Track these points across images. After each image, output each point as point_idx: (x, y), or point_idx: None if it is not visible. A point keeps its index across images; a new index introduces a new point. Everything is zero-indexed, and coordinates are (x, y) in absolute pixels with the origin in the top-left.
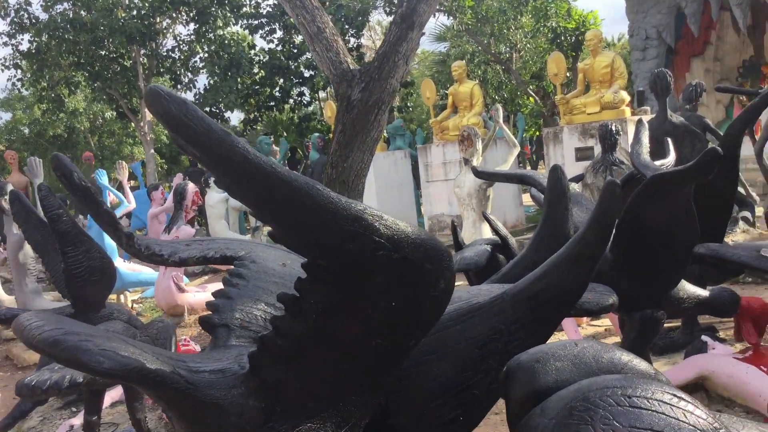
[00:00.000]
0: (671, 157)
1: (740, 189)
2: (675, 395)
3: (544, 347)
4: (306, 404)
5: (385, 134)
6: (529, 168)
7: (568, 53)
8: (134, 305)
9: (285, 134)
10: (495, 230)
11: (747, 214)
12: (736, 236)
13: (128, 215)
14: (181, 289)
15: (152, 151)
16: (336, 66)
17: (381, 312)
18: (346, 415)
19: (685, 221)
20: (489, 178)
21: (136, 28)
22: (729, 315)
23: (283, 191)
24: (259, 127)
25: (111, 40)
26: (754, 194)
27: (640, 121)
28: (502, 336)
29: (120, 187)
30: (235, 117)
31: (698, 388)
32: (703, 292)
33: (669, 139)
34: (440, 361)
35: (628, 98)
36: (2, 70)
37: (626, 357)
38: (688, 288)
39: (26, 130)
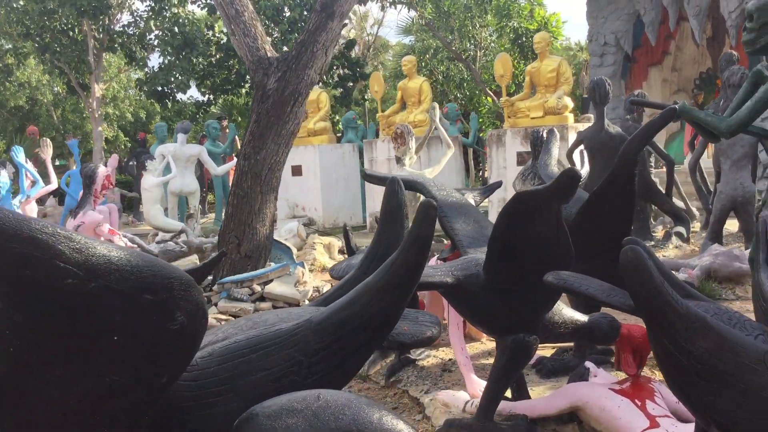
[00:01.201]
0: (583, 171)
1: (679, 202)
2: None
3: (283, 398)
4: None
5: (339, 126)
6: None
7: (529, 55)
8: None
9: (240, 119)
10: (347, 243)
11: (681, 229)
12: (668, 251)
13: (60, 195)
14: None
15: (99, 128)
16: (253, 52)
17: (104, 347)
18: None
19: (555, 242)
20: (378, 182)
21: (87, 1)
22: (608, 343)
23: None
24: (213, 110)
25: (61, 11)
26: (694, 209)
27: (551, 131)
28: (300, 368)
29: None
30: (193, 97)
31: (573, 419)
32: (581, 317)
33: (584, 151)
34: (229, 395)
35: (571, 104)
36: None
37: (376, 415)
38: (564, 313)
39: None
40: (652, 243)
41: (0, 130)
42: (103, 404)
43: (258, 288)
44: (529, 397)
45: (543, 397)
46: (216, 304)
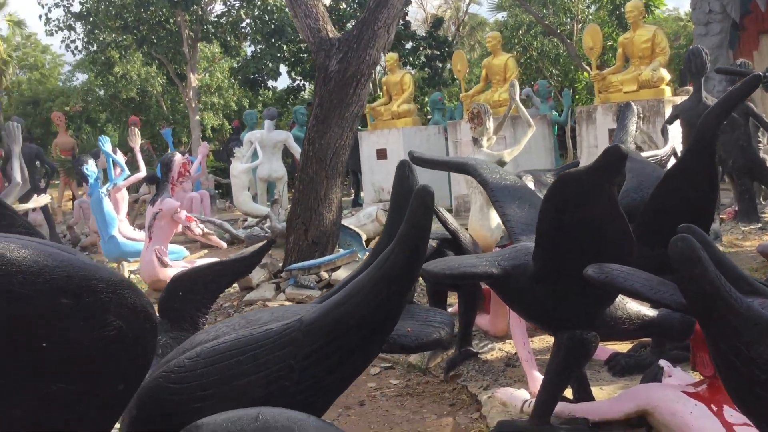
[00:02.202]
0: (666, 148)
1: None
2: None
3: (221, 417)
4: None
5: (427, 109)
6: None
7: (627, 27)
8: (131, 275)
9: None
10: (443, 223)
11: None
12: None
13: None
14: (163, 264)
15: (197, 117)
16: (314, 34)
17: (33, 356)
18: None
19: (610, 228)
20: (426, 165)
21: None
22: (680, 340)
23: None
24: (304, 96)
25: (155, 3)
26: None
27: (627, 105)
28: (291, 372)
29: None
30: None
31: (642, 423)
32: (649, 312)
33: (668, 127)
34: (216, 400)
35: (668, 77)
36: (55, 32)
37: None
38: (629, 307)
39: (101, 92)
40: (759, 225)
41: (115, 120)
42: (57, 413)
43: (325, 275)
44: (592, 399)
45: (608, 398)
46: (284, 291)
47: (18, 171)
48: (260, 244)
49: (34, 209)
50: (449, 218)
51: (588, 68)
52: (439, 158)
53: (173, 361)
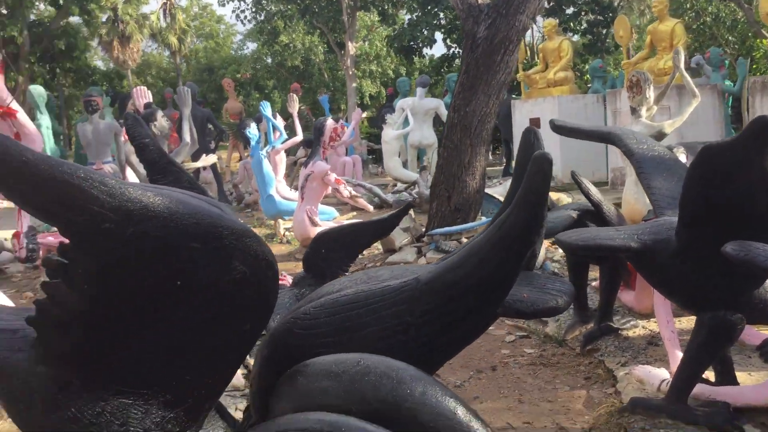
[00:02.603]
0: None
1: None
2: None
3: (327, 359)
4: (112, 378)
5: (587, 77)
6: None
7: None
8: (286, 233)
9: None
10: (586, 195)
11: None
12: None
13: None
14: (314, 223)
15: (354, 85)
16: (463, 0)
17: (169, 292)
18: (177, 394)
19: (759, 203)
20: (568, 133)
21: None
22: None
23: None
24: (459, 64)
25: None
26: None
27: None
28: (407, 329)
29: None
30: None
31: None
32: None
33: None
34: (337, 348)
35: None
36: (227, 2)
37: (419, 389)
38: None
39: (269, 60)
40: None
41: (281, 87)
42: (190, 346)
43: (466, 241)
44: (735, 383)
45: (754, 384)
46: (425, 255)
47: (187, 132)
48: (400, 207)
49: (204, 168)
50: (592, 189)
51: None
52: (583, 127)
53: (301, 309)
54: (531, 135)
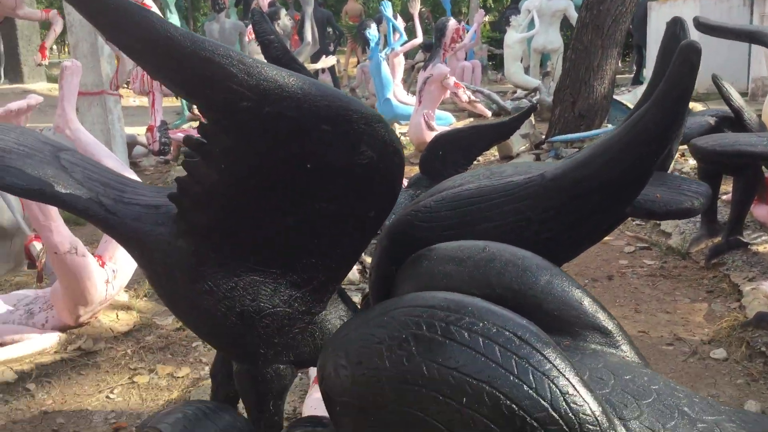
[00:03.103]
0: None
1: None
2: (527, 343)
3: (452, 245)
4: (245, 255)
5: None
6: None
7: None
8: (401, 137)
9: None
10: (726, 100)
11: None
12: None
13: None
14: (430, 128)
15: None
16: None
17: (300, 173)
18: (304, 275)
19: None
20: (712, 32)
21: None
22: None
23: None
24: None
25: None
26: None
27: None
28: (530, 224)
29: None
30: None
31: None
32: None
33: None
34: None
35: None
36: None
37: (545, 277)
38: None
39: None
40: None
41: None
42: (317, 228)
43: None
44: None
45: None
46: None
47: (309, 32)
48: (522, 110)
49: (323, 70)
50: (734, 95)
51: None
52: (729, 26)
53: (421, 202)
54: (677, 26)
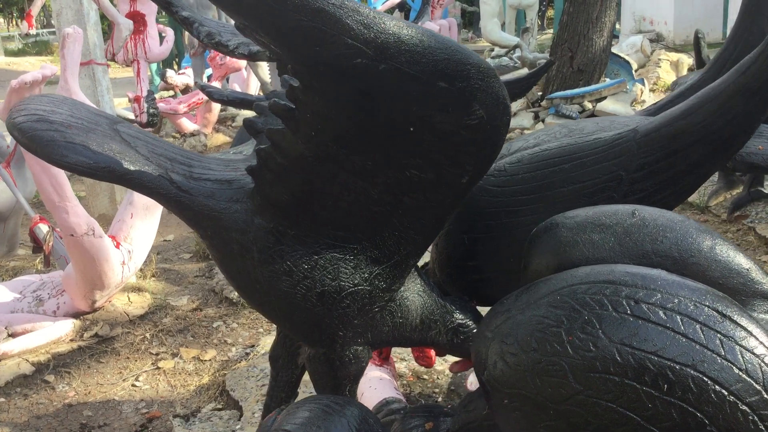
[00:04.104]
0: None
1: None
2: (729, 319)
3: (590, 210)
4: (326, 231)
5: None
6: None
7: None
8: None
9: None
10: (697, 53)
11: None
12: None
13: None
14: None
15: None
16: None
17: (401, 138)
18: (385, 250)
19: None
20: None
21: None
22: None
23: None
24: None
25: None
26: None
27: None
28: (620, 184)
29: None
30: None
31: None
32: None
33: None
34: (537, 205)
35: None
36: None
37: (708, 243)
38: None
39: None
40: None
41: None
42: (404, 198)
43: (589, 105)
44: None
45: None
46: (543, 120)
47: None
48: (540, 64)
49: None
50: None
51: None
52: None
53: (492, 165)
54: None
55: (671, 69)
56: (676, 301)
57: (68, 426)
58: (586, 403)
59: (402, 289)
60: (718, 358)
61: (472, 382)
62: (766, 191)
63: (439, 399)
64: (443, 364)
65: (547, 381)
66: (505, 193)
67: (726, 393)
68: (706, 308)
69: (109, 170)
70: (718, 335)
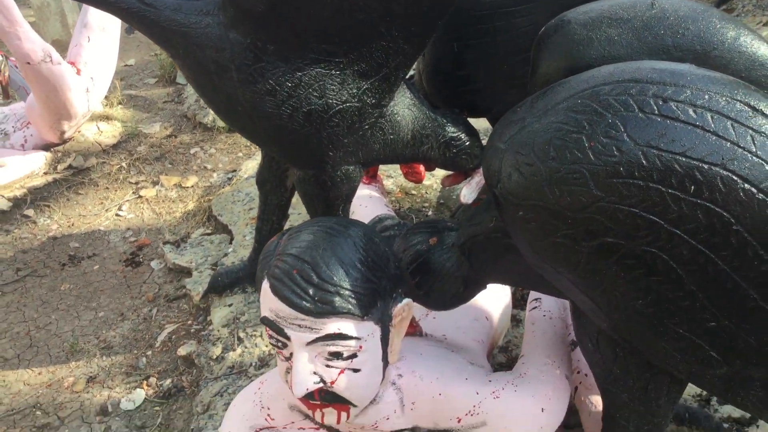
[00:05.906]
0: None
1: None
2: (762, 113)
3: (604, 4)
4: (308, 45)
5: None
6: None
7: None
8: None
9: None
10: None
11: None
12: None
13: None
14: None
15: None
16: None
17: None
18: (373, 63)
19: None
20: None
21: None
22: None
23: None
24: None
25: None
26: None
27: None
28: None
29: None
30: None
31: None
32: None
33: None
34: (533, 4)
35: None
36: None
37: (731, 33)
38: None
39: None
40: None
41: None
42: (392, 4)
43: None
44: None
45: None
46: None
47: None
48: None
49: None
50: None
51: None
52: None
53: None
54: None
55: None
56: (706, 97)
57: (56, 258)
58: (607, 209)
59: (392, 104)
60: (749, 155)
61: (465, 194)
62: None
63: (429, 213)
64: (431, 179)
65: (566, 190)
66: None
67: (755, 191)
68: (738, 103)
69: None
70: (750, 131)
